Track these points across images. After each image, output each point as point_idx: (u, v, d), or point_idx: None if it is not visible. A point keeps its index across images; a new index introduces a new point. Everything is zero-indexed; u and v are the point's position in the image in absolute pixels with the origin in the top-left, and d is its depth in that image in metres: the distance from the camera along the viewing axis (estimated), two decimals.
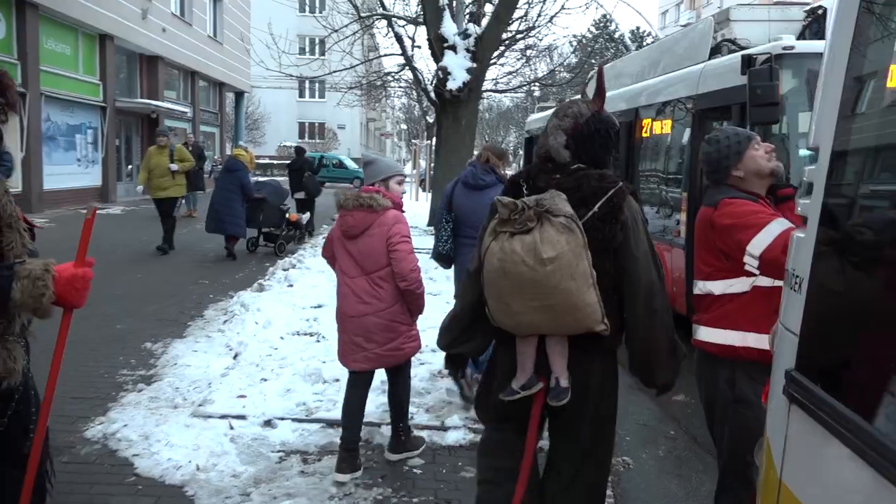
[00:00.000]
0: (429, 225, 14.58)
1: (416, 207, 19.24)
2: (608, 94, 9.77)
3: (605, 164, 2.64)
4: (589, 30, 44.89)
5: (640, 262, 2.47)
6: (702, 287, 2.94)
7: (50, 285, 2.05)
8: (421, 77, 13.74)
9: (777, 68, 5.55)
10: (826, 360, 1.46)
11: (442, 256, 5.15)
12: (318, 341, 6.44)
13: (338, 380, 5.32)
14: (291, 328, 6.80)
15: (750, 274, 2.74)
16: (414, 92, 24.07)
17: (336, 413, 4.71)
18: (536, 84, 18.60)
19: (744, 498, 2.72)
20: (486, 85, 13.99)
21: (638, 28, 43.45)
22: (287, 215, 12.32)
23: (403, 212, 4.05)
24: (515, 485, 2.61)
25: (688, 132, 7.62)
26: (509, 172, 4.52)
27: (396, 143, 72.08)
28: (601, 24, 45.85)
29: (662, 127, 8.46)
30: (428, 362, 5.66)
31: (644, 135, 9.03)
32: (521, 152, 22.60)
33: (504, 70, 16.44)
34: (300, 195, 14.20)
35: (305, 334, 6.68)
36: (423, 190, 25.70)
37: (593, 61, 28.70)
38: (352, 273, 3.90)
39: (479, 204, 4.40)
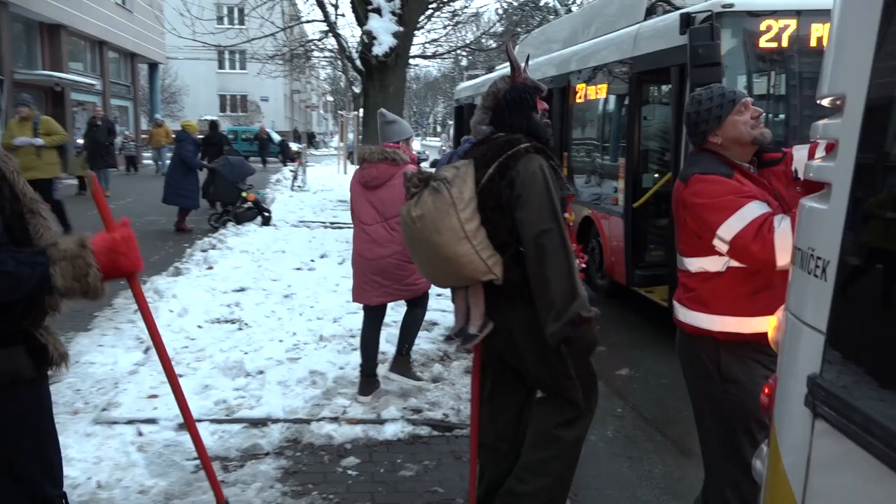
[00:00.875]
0: None
1: (345, 181, 18.61)
2: (537, 60, 9.36)
3: (527, 126, 2.75)
4: None
5: (529, 215, 2.55)
6: (680, 263, 2.69)
7: (91, 261, 1.84)
8: (345, 44, 13.10)
9: (718, 27, 5.32)
10: (869, 363, 1.14)
11: None
12: (241, 329, 5.95)
13: (262, 372, 4.87)
14: (210, 315, 6.26)
15: (721, 254, 2.47)
16: (339, 61, 23.22)
17: (260, 411, 4.29)
18: (464, 51, 18.14)
19: (741, 483, 2.48)
20: (414, 51, 13.46)
21: None
22: (244, 194, 11.85)
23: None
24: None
25: (624, 96, 7.38)
26: None
27: (322, 114, 70.47)
28: None
29: (597, 92, 8.20)
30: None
31: (578, 101, 8.76)
32: (451, 122, 22.28)
33: (431, 37, 15.89)
34: None
35: (226, 321, 6.16)
36: (352, 163, 24.95)
37: (519, 29, 28.54)
38: (369, 220, 4.36)
39: None
